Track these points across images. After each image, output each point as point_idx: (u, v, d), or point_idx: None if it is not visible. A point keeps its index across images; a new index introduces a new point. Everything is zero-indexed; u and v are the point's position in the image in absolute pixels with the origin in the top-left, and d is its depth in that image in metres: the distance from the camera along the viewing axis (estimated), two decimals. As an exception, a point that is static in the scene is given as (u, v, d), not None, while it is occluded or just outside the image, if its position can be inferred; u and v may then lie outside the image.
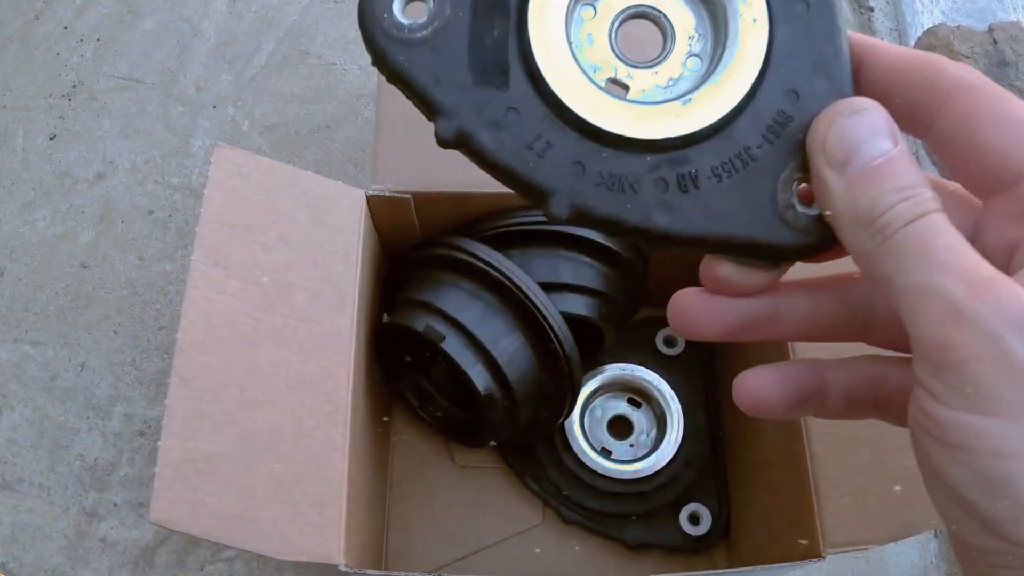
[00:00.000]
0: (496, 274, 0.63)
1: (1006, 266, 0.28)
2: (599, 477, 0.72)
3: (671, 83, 0.34)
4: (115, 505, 0.83)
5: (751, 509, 0.70)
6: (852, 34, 0.32)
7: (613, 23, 0.35)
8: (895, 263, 0.27)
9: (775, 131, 0.31)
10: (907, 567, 0.80)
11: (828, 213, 0.30)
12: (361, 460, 0.60)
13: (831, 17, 0.33)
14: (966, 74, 0.29)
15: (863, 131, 0.28)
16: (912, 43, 1.06)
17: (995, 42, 1.03)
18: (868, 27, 1.09)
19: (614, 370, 0.76)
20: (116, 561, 0.80)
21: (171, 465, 0.52)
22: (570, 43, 0.33)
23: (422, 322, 0.65)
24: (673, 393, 0.75)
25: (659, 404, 0.75)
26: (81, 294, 0.91)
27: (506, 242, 0.66)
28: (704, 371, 0.78)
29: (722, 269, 0.32)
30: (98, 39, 1.03)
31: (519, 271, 0.62)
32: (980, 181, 0.29)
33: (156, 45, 1.03)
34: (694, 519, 0.73)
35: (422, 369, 0.75)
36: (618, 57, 0.34)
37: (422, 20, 0.32)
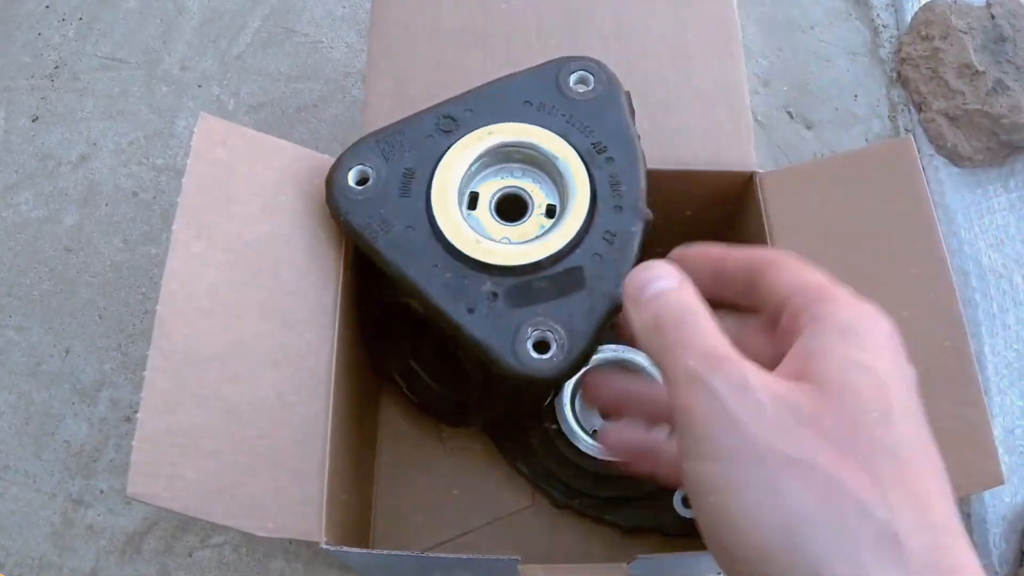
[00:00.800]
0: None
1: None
2: (591, 460, 0.70)
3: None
4: (101, 492, 0.81)
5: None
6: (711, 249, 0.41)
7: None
8: (661, 352, 0.34)
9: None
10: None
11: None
12: (345, 437, 0.59)
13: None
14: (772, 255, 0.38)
15: (651, 275, 0.36)
16: (908, 18, 1.05)
17: (993, 17, 1.02)
18: (864, 2, 1.08)
19: (606, 351, 0.74)
20: (103, 548, 0.79)
21: (149, 439, 0.50)
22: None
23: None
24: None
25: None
26: (65, 278, 0.89)
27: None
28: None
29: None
30: (80, 18, 1.02)
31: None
32: (767, 311, 0.38)
33: (140, 24, 1.01)
34: (688, 502, 0.71)
35: (409, 348, 0.73)
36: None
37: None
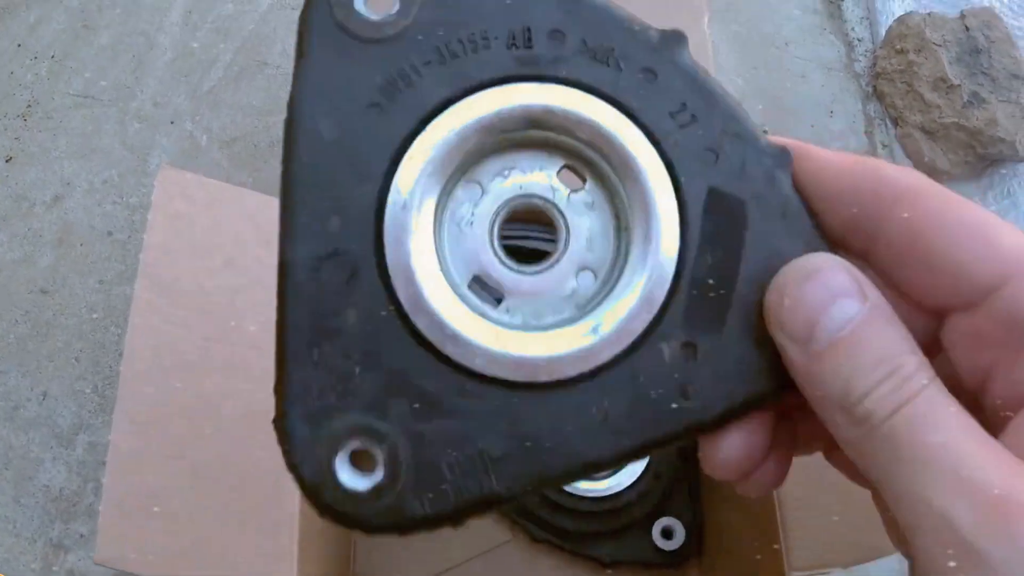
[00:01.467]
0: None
1: (981, 393, 0.25)
2: (568, 496, 0.70)
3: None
4: (81, 536, 0.81)
5: (723, 523, 0.68)
6: (782, 140, 0.30)
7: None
8: (885, 464, 0.23)
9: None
10: None
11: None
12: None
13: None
14: (912, 179, 0.26)
15: (820, 298, 0.25)
16: (883, 32, 1.05)
17: (967, 29, 1.02)
18: (839, 16, 1.07)
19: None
20: (84, 593, 0.79)
21: (115, 502, 0.50)
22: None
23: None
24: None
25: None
26: (41, 321, 0.88)
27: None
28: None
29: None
30: (52, 56, 1.01)
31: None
32: (937, 297, 0.26)
33: (112, 60, 1.01)
34: (667, 533, 0.71)
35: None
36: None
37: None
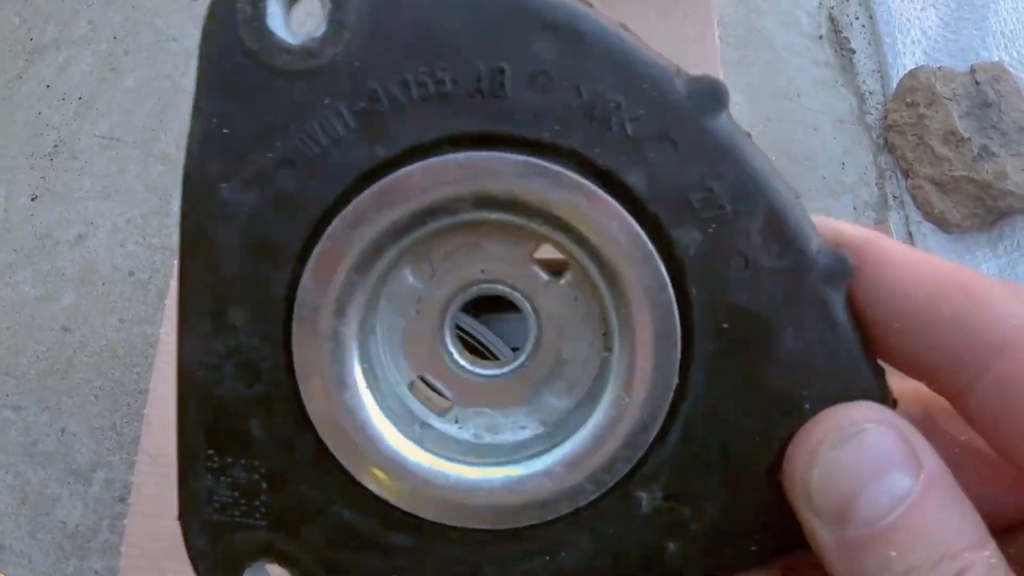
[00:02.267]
0: (471, 341, 0.62)
1: None
2: None
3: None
4: (96, 573, 0.81)
5: None
6: (850, 227, 0.24)
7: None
8: None
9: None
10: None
11: None
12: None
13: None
14: (1020, 318, 0.20)
15: (862, 468, 0.19)
16: (894, 85, 1.06)
17: (977, 83, 1.03)
18: (851, 69, 1.09)
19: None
20: (96, 631, 0.79)
21: (137, 544, 0.51)
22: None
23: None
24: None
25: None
26: (62, 358, 0.90)
27: (481, 306, 0.66)
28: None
29: None
30: (80, 97, 1.04)
31: (493, 336, 0.62)
32: None
33: (137, 103, 1.03)
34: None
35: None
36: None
37: None
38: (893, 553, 0.18)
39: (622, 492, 0.23)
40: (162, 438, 0.53)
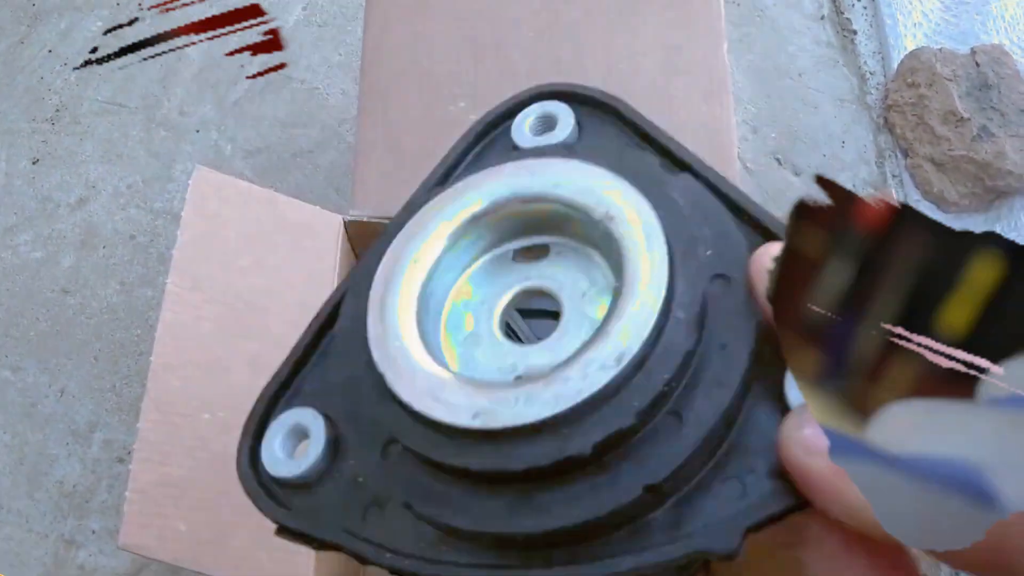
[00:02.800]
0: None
1: None
2: None
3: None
4: (93, 532, 0.82)
5: None
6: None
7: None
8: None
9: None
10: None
11: None
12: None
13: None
14: None
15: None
16: (895, 65, 1.07)
17: (977, 65, 1.04)
18: (852, 49, 1.10)
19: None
20: (94, 589, 0.79)
21: (141, 489, 0.51)
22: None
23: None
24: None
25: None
26: (62, 319, 0.90)
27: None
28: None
29: None
30: (82, 63, 1.04)
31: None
32: None
33: (140, 69, 1.03)
34: None
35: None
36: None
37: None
38: None
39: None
40: (167, 387, 0.53)
